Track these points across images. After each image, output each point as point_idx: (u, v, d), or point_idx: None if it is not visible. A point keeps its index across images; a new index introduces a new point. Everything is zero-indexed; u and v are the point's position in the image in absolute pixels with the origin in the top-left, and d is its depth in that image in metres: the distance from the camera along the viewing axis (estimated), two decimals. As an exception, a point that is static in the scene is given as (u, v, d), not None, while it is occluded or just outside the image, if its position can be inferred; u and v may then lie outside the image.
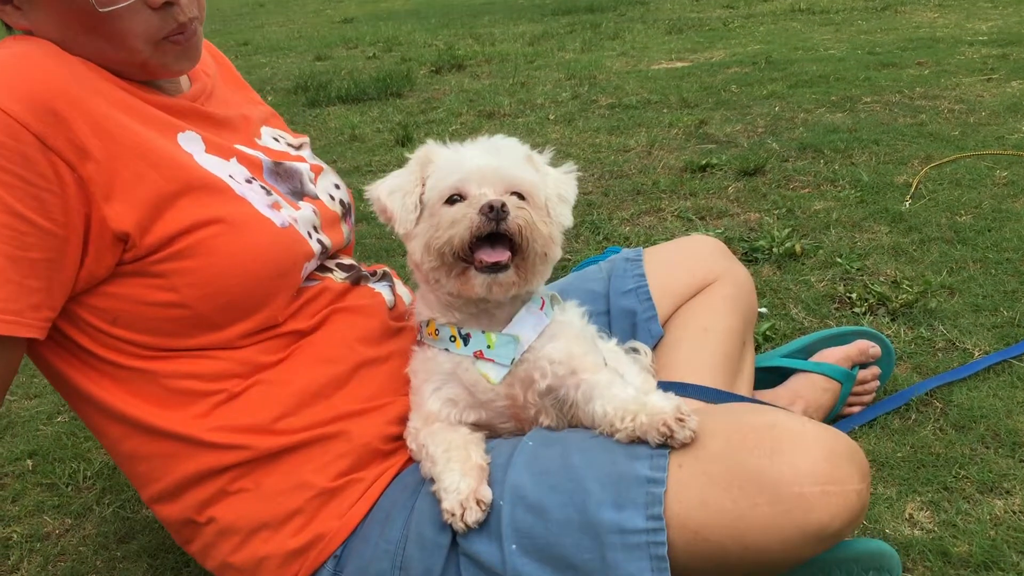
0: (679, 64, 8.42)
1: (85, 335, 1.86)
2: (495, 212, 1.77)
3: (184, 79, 2.12)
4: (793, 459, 1.59)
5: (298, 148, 2.33)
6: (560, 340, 1.97)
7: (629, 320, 2.51)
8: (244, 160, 2.02)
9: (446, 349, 1.97)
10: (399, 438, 2.01)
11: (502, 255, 1.82)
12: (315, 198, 2.17)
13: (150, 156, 1.79)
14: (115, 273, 1.81)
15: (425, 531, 1.80)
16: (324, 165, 2.34)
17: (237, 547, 1.92)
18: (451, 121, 7.06)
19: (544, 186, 1.95)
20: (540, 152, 2.05)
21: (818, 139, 5.40)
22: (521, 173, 1.90)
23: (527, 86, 8.07)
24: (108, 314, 1.84)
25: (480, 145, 1.95)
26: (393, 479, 1.96)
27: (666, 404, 1.72)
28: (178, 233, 1.78)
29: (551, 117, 6.82)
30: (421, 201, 1.94)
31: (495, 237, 1.81)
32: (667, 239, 4.17)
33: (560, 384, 1.93)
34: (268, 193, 1.98)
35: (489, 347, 1.94)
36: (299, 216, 2.01)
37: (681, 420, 1.69)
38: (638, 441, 1.74)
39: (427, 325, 2.01)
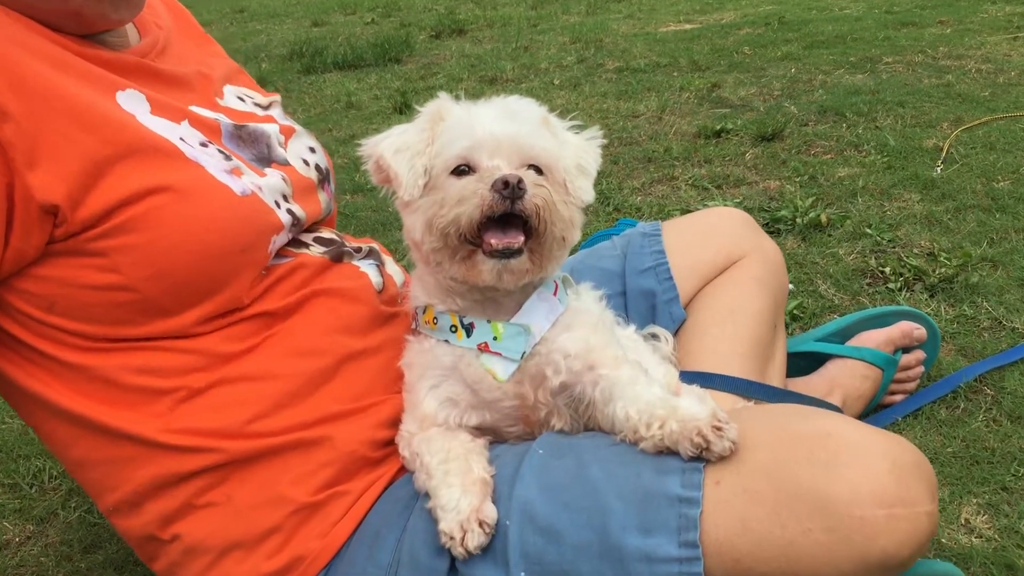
0: (688, 26, 8.08)
1: (19, 325, 1.61)
2: (510, 190, 1.51)
3: (133, 33, 1.86)
4: (853, 476, 1.34)
5: (267, 108, 2.06)
6: (576, 330, 1.71)
7: (648, 302, 2.25)
8: (198, 123, 1.76)
9: (446, 340, 1.72)
10: (390, 443, 1.76)
11: (515, 239, 1.56)
12: (285, 164, 1.91)
13: (82, 116, 1.53)
14: (47, 253, 1.55)
15: (419, 554, 1.56)
16: (297, 126, 2.07)
17: (206, 568, 1.68)
18: (452, 87, 6.75)
19: (563, 156, 1.68)
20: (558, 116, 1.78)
21: (839, 102, 5.10)
22: (539, 142, 1.63)
23: (530, 50, 7.76)
24: (43, 300, 1.59)
25: (493, 106, 1.68)
26: (383, 492, 1.71)
27: (700, 410, 1.47)
28: (117, 204, 1.52)
29: (556, 82, 6.52)
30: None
31: (507, 217, 1.55)
32: (681, 210, 3.93)
33: (575, 381, 1.68)
34: (227, 158, 1.72)
35: (496, 339, 1.68)
36: (264, 183, 1.76)
37: (718, 429, 1.43)
38: (666, 451, 1.49)
39: (424, 312, 1.76)
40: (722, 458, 1.43)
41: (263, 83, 7.35)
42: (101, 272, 1.56)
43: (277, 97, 2.13)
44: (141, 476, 1.65)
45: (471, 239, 1.58)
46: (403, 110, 6.21)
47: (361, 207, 4.42)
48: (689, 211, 3.91)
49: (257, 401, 1.67)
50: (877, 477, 1.33)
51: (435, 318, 1.73)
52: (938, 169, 4.00)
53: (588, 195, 1.71)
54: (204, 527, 1.66)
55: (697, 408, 1.48)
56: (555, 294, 1.75)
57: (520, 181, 1.52)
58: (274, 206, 1.75)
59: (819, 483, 1.34)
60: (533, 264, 1.62)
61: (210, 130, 1.78)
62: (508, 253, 1.57)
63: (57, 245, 1.54)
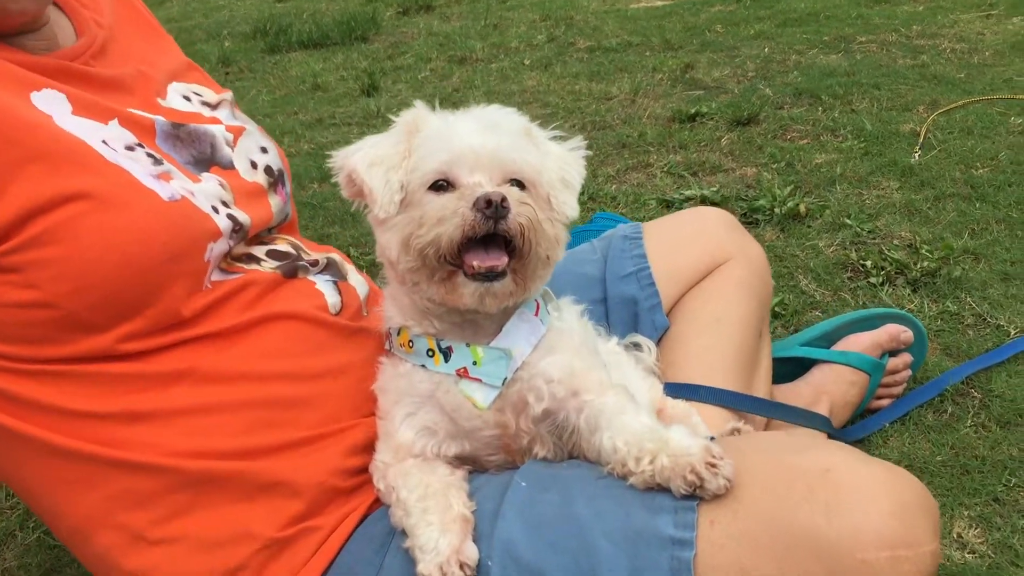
0: (659, 2, 7.95)
1: None
2: (493, 209, 1.42)
3: (68, 33, 1.73)
4: (855, 517, 1.27)
5: (215, 107, 1.93)
6: (558, 353, 1.62)
7: (630, 309, 2.17)
8: (129, 122, 1.63)
9: (422, 365, 1.62)
10: (362, 471, 1.67)
11: (498, 260, 1.47)
12: (228, 167, 1.80)
13: None
14: None
15: (397, 597, 1.48)
16: (248, 125, 1.94)
17: (167, 608, 1.58)
18: (420, 67, 6.61)
19: (546, 170, 1.59)
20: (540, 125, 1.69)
21: (814, 84, 5.03)
22: (522, 155, 1.54)
23: (500, 28, 7.60)
24: None
25: (472, 117, 1.58)
26: (356, 527, 1.62)
27: (692, 444, 1.39)
28: (29, 213, 1.40)
29: (526, 62, 6.39)
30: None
31: (489, 237, 1.46)
32: (657, 199, 3.86)
33: (559, 407, 1.60)
34: (156, 162, 1.61)
35: (475, 364, 1.59)
36: (198, 188, 1.64)
37: (713, 466, 1.36)
38: (657, 487, 1.41)
39: (398, 334, 1.66)
40: (716, 496, 1.36)
41: (226, 62, 7.18)
42: (18, 289, 1.44)
43: (228, 94, 2.01)
44: (91, 500, 1.55)
45: (451, 260, 1.49)
46: (370, 92, 6.07)
47: (329, 196, 4.29)
48: (665, 200, 3.86)
49: (213, 427, 1.57)
50: (881, 518, 1.26)
51: (410, 341, 1.63)
52: (916, 155, 3.95)
53: (572, 211, 1.61)
54: (163, 565, 1.56)
55: (689, 442, 1.40)
56: (536, 313, 1.66)
57: (504, 200, 1.43)
58: (211, 211, 1.64)
59: (820, 526, 1.27)
60: (517, 286, 1.53)
61: (142, 130, 1.66)
62: (491, 276, 1.48)
63: None
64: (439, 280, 1.52)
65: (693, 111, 4.80)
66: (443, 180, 1.52)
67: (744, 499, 1.34)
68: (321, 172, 4.66)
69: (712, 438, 1.49)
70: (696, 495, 1.37)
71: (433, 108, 1.64)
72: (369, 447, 1.67)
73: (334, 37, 7.77)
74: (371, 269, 3.37)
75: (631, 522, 1.38)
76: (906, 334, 2.38)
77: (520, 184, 1.54)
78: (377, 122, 5.47)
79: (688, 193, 3.85)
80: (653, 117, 4.95)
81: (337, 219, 4.08)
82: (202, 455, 1.54)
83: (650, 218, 3.72)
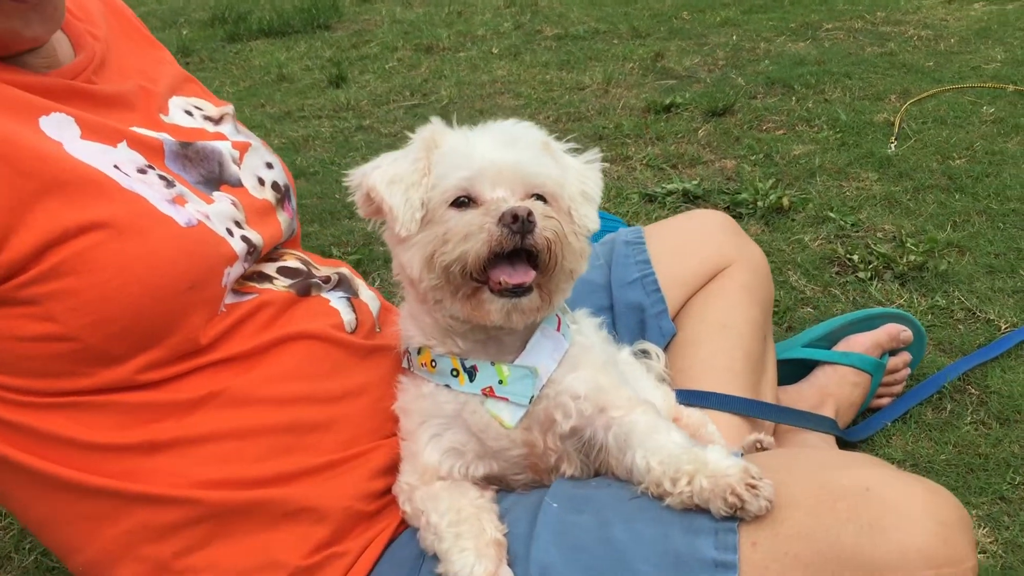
0: (623, -12, 7.95)
1: None
2: (520, 224, 1.40)
3: (66, 49, 1.67)
4: (899, 537, 1.27)
5: (218, 121, 1.88)
6: (583, 369, 1.61)
7: (636, 316, 2.17)
8: (137, 143, 1.59)
9: (447, 385, 1.60)
10: (386, 493, 1.64)
11: (525, 275, 1.45)
12: (237, 185, 1.76)
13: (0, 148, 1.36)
14: None
15: (430, 624, 1.46)
16: (253, 140, 1.89)
17: (191, 639, 1.55)
18: (387, 57, 6.53)
19: (570, 180, 1.58)
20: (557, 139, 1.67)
21: (785, 73, 5.06)
22: (544, 169, 1.52)
23: (464, 15, 7.55)
24: None
25: (491, 132, 1.56)
26: (383, 551, 1.60)
27: (730, 465, 1.38)
28: (46, 245, 1.37)
29: (494, 51, 6.35)
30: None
31: (515, 252, 1.44)
32: (639, 193, 3.85)
33: (586, 424, 1.59)
34: (169, 184, 1.57)
35: (501, 382, 1.57)
36: (212, 211, 1.61)
37: (754, 487, 1.35)
38: (695, 508, 1.40)
39: (419, 353, 1.63)
40: (757, 517, 1.35)
41: (186, 52, 7.03)
42: (35, 321, 1.40)
43: (230, 108, 1.96)
44: (112, 533, 1.51)
45: (477, 276, 1.47)
46: (339, 83, 5.99)
47: (305, 194, 4.22)
48: (647, 194, 3.86)
49: (234, 454, 1.53)
50: (924, 538, 1.27)
51: (433, 361, 1.61)
52: (892, 146, 3.99)
53: (594, 224, 1.60)
54: (186, 596, 1.53)
55: (727, 462, 1.39)
56: (558, 328, 1.64)
57: (530, 214, 1.41)
58: (225, 234, 1.61)
59: (863, 546, 1.28)
60: (543, 301, 1.51)
61: (151, 151, 1.62)
62: (518, 292, 1.46)
63: None
64: (463, 297, 1.50)
65: (668, 101, 4.81)
66: (465, 196, 1.50)
67: (786, 520, 1.34)
68: (295, 169, 4.59)
69: (740, 454, 1.49)
70: (736, 516, 1.36)
71: (450, 124, 1.61)
72: (391, 469, 1.65)
73: (295, 25, 7.65)
74: (357, 267, 3.33)
75: (671, 545, 1.37)
76: (905, 333, 2.40)
77: (543, 198, 1.52)
78: (348, 115, 5.41)
79: (670, 187, 3.84)
80: (628, 108, 4.94)
81: (316, 217, 4.02)
82: (223, 485, 1.51)
83: (633, 212, 3.73)
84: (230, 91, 6.14)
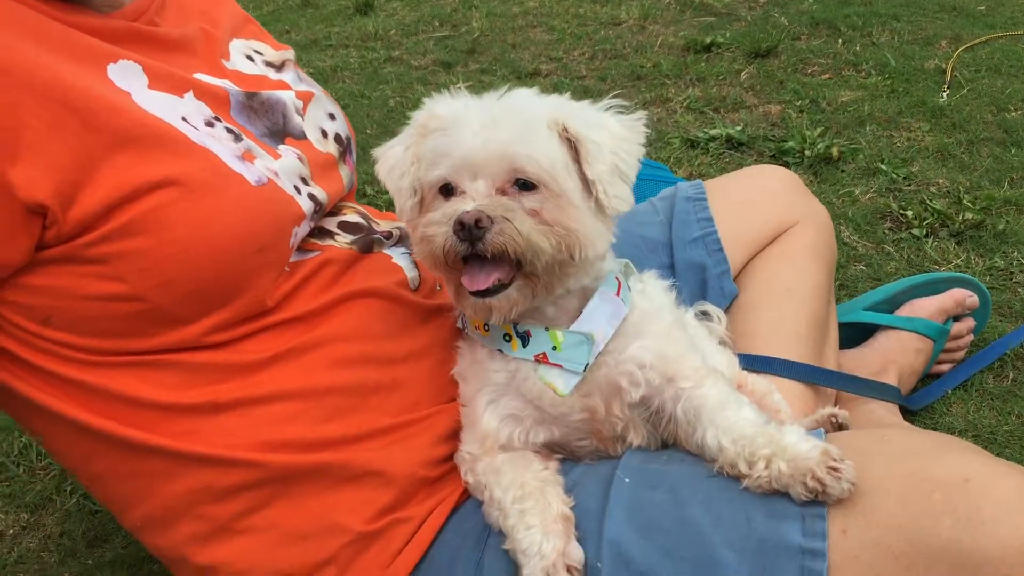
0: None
1: (12, 338, 1.42)
2: (467, 232, 1.35)
3: None
4: (999, 530, 1.21)
5: (279, 68, 1.81)
6: (648, 338, 1.55)
7: (698, 276, 2.09)
8: (204, 93, 1.52)
9: (499, 350, 1.54)
10: (448, 459, 1.60)
11: (486, 280, 1.40)
12: (301, 137, 1.69)
13: (67, 98, 1.31)
14: (39, 260, 1.35)
15: (500, 599, 1.42)
16: (315, 89, 1.82)
17: (250, 599, 1.52)
18: (419, -16, 6.32)
19: (595, 159, 1.45)
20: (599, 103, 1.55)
21: (830, 13, 4.88)
22: (530, 151, 1.41)
23: (495, -59, 7.30)
24: (37, 312, 1.39)
25: (483, 111, 1.45)
26: (447, 518, 1.55)
27: (809, 448, 1.32)
28: (117, 202, 1.32)
29: (527, -19, 6.15)
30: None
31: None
32: (681, 138, 3.75)
33: (653, 394, 1.53)
34: (237, 138, 1.50)
35: (555, 348, 1.51)
36: (280, 167, 1.55)
37: (835, 470, 1.29)
38: (774, 492, 1.35)
39: None
40: (839, 501, 1.30)
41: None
42: (103, 281, 1.36)
43: (290, 52, 1.88)
44: (172, 491, 1.48)
45: (457, 267, 1.43)
46: (366, 10, 5.85)
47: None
48: (689, 139, 3.74)
49: (298, 415, 1.50)
50: (1026, 530, 1.21)
51: (486, 324, 1.54)
52: (944, 95, 3.85)
53: (625, 204, 1.49)
54: (245, 556, 1.50)
55: (806, 445, 1.33)
56: (618, 292, 1.57)
57: (478, 221, 1.34)
58: (294, 192, 1.55)
59: (961, 540, 1.22)
60: (524, 295, 1.44)
61: (218, 101, 1.55)
62: (484, 293, 1.40)
63: (50, 251, 1.35)
64: (451, 284, 1.48)
65: (708, 41, 4.66)
66: (450, 185, 1.45)
67: (878, 508, 1.28)
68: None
69: (822, 433, 1.44)
70: (817, 500, 1.31)
71: (451, 92, 1.53)
72: (454, 435, 1.60)
73: (319, -52, 7.42)
74: (391, 207, 3.25)
75: (753, 529, 1.32)
76: (971, 299, 2.33)
77: (529, 185, 1.42)
78: (376, 45, 5.28)
79: (713, 132, 3.73)
80: (666, 46, 4.80)
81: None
82: (285, 447, 1.47)
83: (675, 158, 3.63)
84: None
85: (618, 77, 4.46)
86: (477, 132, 1.42)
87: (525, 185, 1.42)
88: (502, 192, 1.41)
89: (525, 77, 4.52)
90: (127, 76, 1.41)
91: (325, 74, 4.87)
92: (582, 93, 4.17)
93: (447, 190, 1.45)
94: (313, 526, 1.49)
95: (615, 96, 1.57)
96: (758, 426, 1.41)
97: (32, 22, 1.35)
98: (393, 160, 1.54)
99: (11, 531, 2.21)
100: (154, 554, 1.63)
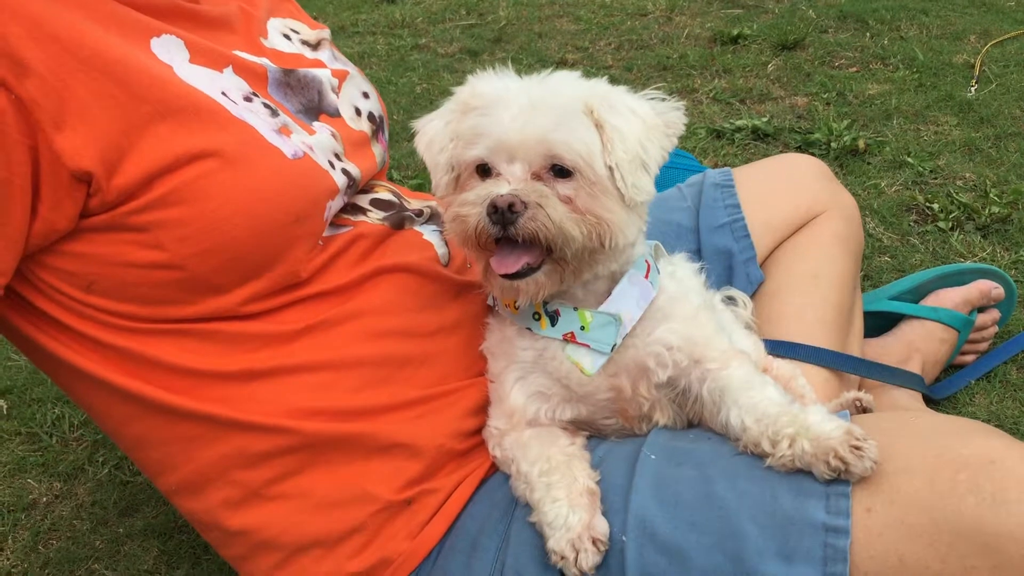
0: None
1: (55, 304, 1.46)
2: (499, 215, 1.37)
3: None
4: (1023, 510, 1.23)
5: (315, 47, 1.84)
6: (675, 320, 1.57)
7: (724, 262, 2.12)
8: (242, 69, 1.56)
9: (528, 328, 1.56)
10: (477, 432, 1.63)
11: (515, 263, 1.42)
12: (335, 115, 1.72)
13: (113, 69, 1.34)
14: (82, 227, 1.39)
15: (526, 570, 1.45)
16: (350, 68, 1.85)
17: (277, 565, 1.57)
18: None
19: (617, 145, 1.45)
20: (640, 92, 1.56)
21: (859, 7, 4.86)
22: (568, 138, 1.42)
23: (521, -68, 7.30)
24: (80, 279, 1.43)
25: (523, 92, 1.46)
26: (475, 491, 1.59)
27: (831, 427, 1.35)
28: (159, 172, 1.36)
29: (554, -30, 6.15)
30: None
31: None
32: (707, 129, 3.76)
33: (680, 375, 1.55)
34: (273, 113, 1.54)
35: (583, 328, 1.54)
36: (315, 142, 1.58)
37: (858, 449, 1.31)
38: (797, 471, 1.37)
39: None
40: (862, 479, 1.32)
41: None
42: (144, 249, 1.40)
43: (326, 32, 1.91)
44: (207, 456, 1.53)
45: (488, 248, 1.45)
46: (392, -3, 5.86)
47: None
48: (715, 130, 3.75)
49: (330, 384, 1.54)
50: (1050, 513, 1.23)
51: (516, 302, 1.57)
52: (972, 90, 3.84)
53: (646, 195, 1.49)
54: (277, 522, 1.55)
55: (827, 425, 1.35)
56: (647, 275, 1.59)
57: (512, 205, 1.36)
58: (328, 167, 1.58)
59: (986, 518, 1.24)
60: (552, 280, 1.46)
61: (255, 77, 1.59)
62: (512, 275, 1.43)
63: (93, 219, 1.39)
64: (481, 264, 1.50)
65: (735, 32, 4.66)
66: (486, 165, 1.46)
67: (902, 488, 1.30)
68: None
69: (848, 415, 1.46)
70: (840, 478, 1.33)
71: (495, 71, 1.54)
72: (483, 409, 1.63)
73: (347, -65, 7.45)
74: (419, 191, 3.28)
75: (778, 505, 1.34)
76: (997, 291, 2.34)
77: (564, 172, 1.44)
78: (403, 32, 5.31)
79: (739, 123, 3.74)
80: (692, 37, 4.80)
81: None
82: (318, 415, 1.51)
83: (701, 148, 3.64)
84: None
85: (644, 67, 4.47)
86: (516, 116, 1.43)
87: (561, 171, 1.44)
88: (537, 177, 1.43)
89: (552, 67, 4.52)
90: (170, 50, 1.45)
91: (352, 61, 4.82)
92: (609, 83, 4.18)
93: (483, 170, 1.47)
94: (343, 494, 1.53)
95: (643, 88, 1.58)
96: (782, 406, 1.43)
97: None
98: (432, 134, 1.56)
99: (44, 499, 2.26)
100: (187, 519, 1.67)
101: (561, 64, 4.59)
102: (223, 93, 1.46)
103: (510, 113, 1.44)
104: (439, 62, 4.85)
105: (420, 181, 3.54)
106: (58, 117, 1.30)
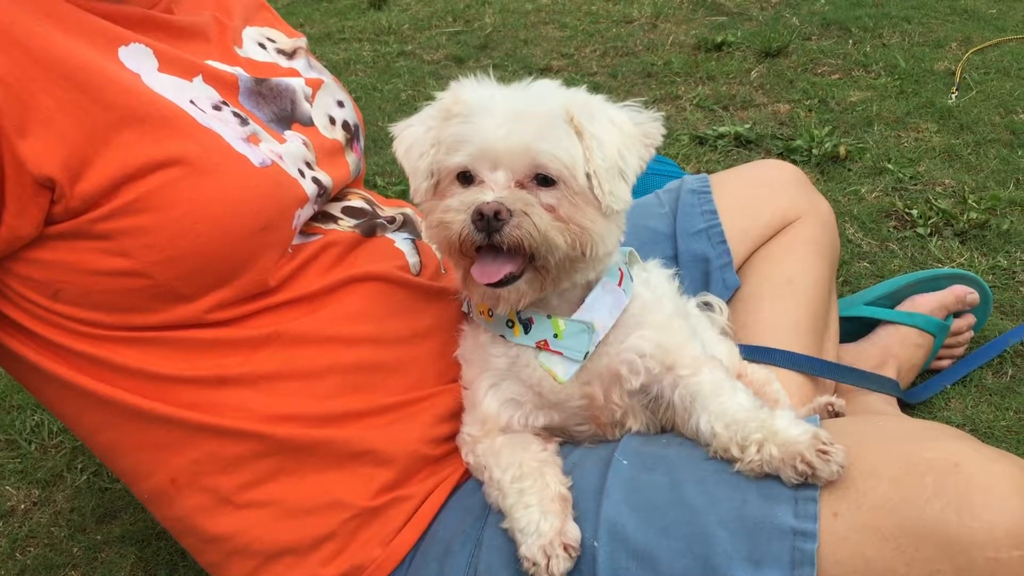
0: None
1: (23, 312, 1.47)
2: (485, 222, 1.37)
3: None
4: (987, 514, 1.24)
5: (291, 56, 1.85)
6: (648, 328, 1.58)
7: (701, 268, 2.13)
8: (213, 79, 1.56)
9: (501, 335, 1.57)
10: (451, 438, 1.63)
11: (497, 272, 1.42)
12: (308, 124, 1.72)
13: (78, 76, 1.35)
14: (48, 235, 1.39)
15: (498, 575, 1.45)
16: (325, 76, 1.85)
17: (254, 571, 1.57)
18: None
19: (595, 153, 1.46)
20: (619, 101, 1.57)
21: (842, 14, 4.90)
22: (550, 149, 1.42)
23: (508, -61, 7.33)
24: (46, 287, 1.44)
25: (507, 100, 1.47)
26: (448, 497, 1.59)
27: (798, 432, 1.35)
28: (123, 179, 1.36)
29: (539, -22, 6.17)
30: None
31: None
32: (690, 135, 3.77)
33: (653, 381, 1.56)
34: (243, 122, 1.54)
35: (556, 336, 1.54)
36: (285, 151, 1.58)
37: (825, 453, 1.32)
38: (766, 475, 1.38)
39: None
40: (829, 483, 1.33)
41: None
42: (108, 256, 1.40)
43: (302, 40, 1.91)
44: (178, 461, 1.53)
45: (470, 256, 1.46)
46: (379, 5, 5.88)
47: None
48: (698, 136, 3.77)
49: (300, 391, 1.54)
50: (1014, 515, 1.24)
51: (489, 309, 1.57)
52: (953, 97, 3.87)
53: (622, 204, 1.49)
54: (249, 529, 1.55)
55: (795, 430, 1.36)
56: (620, 283, 1.60)
57: (498, 213, 1.37)
58: (298, 175, 1.58)
59: (949, 523, 1.25)
60: (532, 288, 1.47)
61: (226, 86, 1.59)
62: (495, 283, 1.43)
63: (58, 226, 1.39)
64: (460, 271, 1.50)
65: (719, 40, 4.68)
66: (468, 172, 1.46)
67: (868, 492, 1.31)
68: (337, 94, 4.52)
69: (818, 420, 1.47)
70: (808, 483, 1.34)
71: (477, 78, 1.55)
72: (456, 415, 1.63)
73: (334, -57, 7.46)
74: (402, 199, 3.29)
75: (747, 510, 1.35)
76: (972, 296, 2.35)
77: (548, 181, 1.44)
78: (389, 39, 5.32)
79: (721, 130, 3.76)
80: (677, 44, 4.82)
81: (359, 145, 3.96)
82: (289, 420, 1.51)
83: (683, 155, 3.66)
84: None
85: (629, 74, 4.49)
86: (501, 124, 1.43)
87: (544, 180, 1.44)
88: (521, 185, 1.43)
89: (536, 73, 4.55)
90: (138, 59, 1.45)
91: (338, 67, 4.91)
92: (592, 90, 4.17)
93: (465, 177, 1.47)
94: (315, 501, 1.53)
95: (627, 94, 1.59)
96: (750, 411, 1.44)
97: (48, 5, 1.40)
98: (412, 139, 1.55)
99: (22, 506, 2.26)
100: (164, 525, 1.67)
101: (546, 71, 4.61)
102: (191, 102, 1.47)
103: (494, 121, 1.44)
104: (425, 69, 4.86)
105: (404, 188, 3.54)
106: (21, 124, 1.31)
